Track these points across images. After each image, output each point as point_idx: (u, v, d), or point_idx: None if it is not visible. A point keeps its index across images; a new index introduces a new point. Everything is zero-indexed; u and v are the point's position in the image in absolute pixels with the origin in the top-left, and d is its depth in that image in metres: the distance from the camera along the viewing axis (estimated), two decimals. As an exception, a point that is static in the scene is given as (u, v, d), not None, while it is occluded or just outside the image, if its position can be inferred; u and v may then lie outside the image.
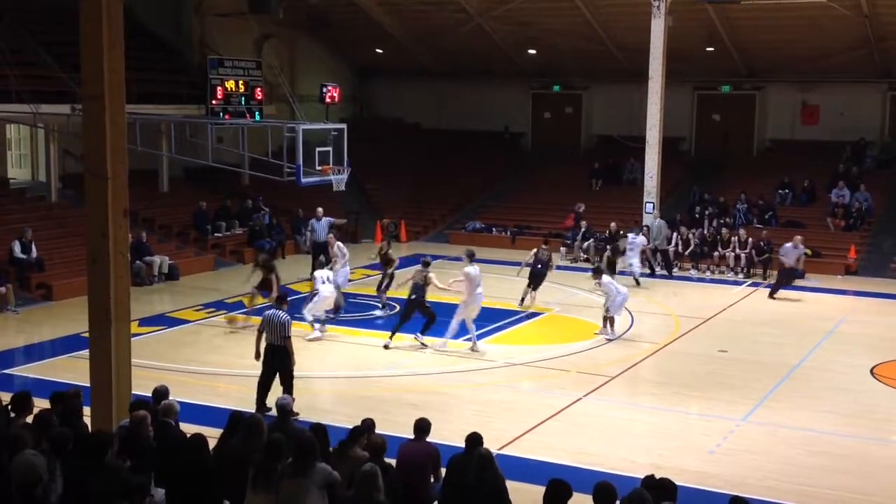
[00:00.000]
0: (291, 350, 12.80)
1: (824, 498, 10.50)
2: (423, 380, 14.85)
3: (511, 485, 8.43)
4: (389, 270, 19.70)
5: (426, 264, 16.74)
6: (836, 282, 23.77)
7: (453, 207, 31.14)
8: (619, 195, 28.85)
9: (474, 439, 8.85)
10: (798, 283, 22.53)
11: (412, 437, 9.11)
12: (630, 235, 23.96)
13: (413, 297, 16.41)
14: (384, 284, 19.74)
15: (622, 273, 21.43)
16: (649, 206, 27.02)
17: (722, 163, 31.18)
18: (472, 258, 16.79)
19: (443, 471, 8.85)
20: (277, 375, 12.77)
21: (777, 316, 19.97)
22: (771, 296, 21.52)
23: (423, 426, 9.17)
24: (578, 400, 13.88)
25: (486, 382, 14.82)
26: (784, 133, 31.59)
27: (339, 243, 19.39)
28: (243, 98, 25.60)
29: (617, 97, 31.52)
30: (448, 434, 10.91)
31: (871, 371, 15.58)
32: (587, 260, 25.96)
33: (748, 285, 23.23)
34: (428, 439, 9.13)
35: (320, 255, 21.66)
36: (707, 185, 29.86)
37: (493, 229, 29.13)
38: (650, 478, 7.98)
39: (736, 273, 24.51)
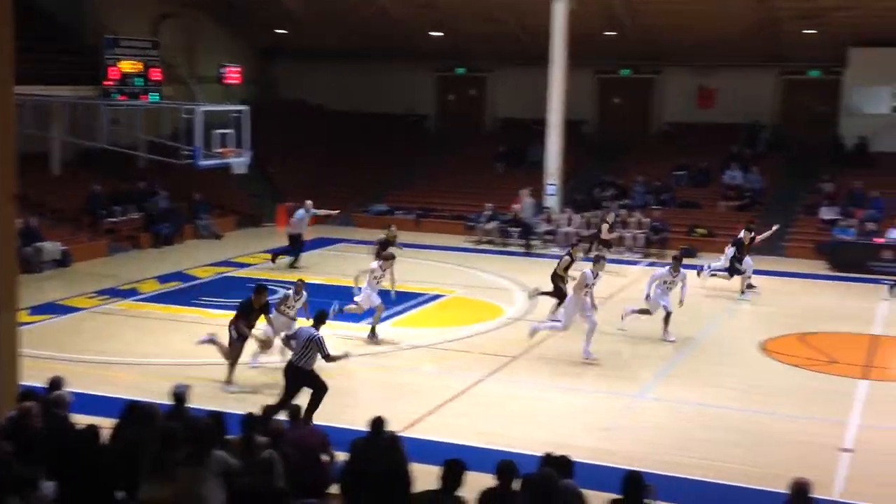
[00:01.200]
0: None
1: (721, 470, 10.81)
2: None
3: (413, 466, 8.48)
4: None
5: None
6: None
7: (358, 190, 30.97)
8: (522, 177, 29.13)
9: (377, 423, 8.92)
10: (691, 261, 23.20)
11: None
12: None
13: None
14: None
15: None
16: (551, 188, 27.41)
17: (622, 145, 31.76)
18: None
19: (341, 454, 8.87)
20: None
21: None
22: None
23: (294, 412, 9.46)
24: (480, 381, 14.01)
25: (389, 366, 14.83)
26: (682, 116, 32.31)
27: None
28: (140, 79, 24.90)
29: (521, 80, 31.72)
30: (351, 418, 10.90)
31: (763, 346, 16.13)
32: (490, 242, 26.26)
33: (646, 265, 23.76)
34: (333, 424, 9.21)
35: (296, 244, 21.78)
36: (608, 167, 30.42)
37: (397, 212, 29.11)
38: (548, 455, 8.13)
39: (634, 253, 25.09)
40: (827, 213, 26.26)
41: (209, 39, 32.24)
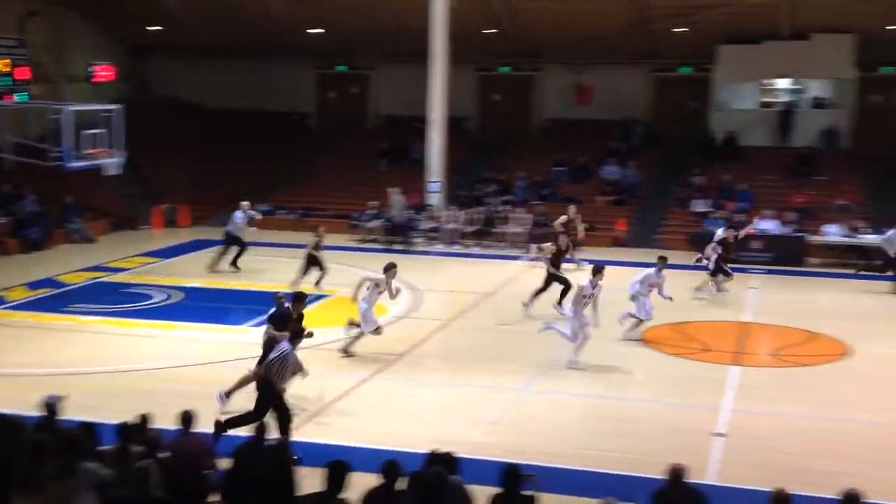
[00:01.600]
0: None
1: (601, 459, 11.03)
2: (202, 370, 14.43)
3: (298, 470, 8.39)
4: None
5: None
6: (606, 253, 25.06)
7: (238, 190, 30.38)
8: (406, 175, 29.15)
9: (260, 428, 8.81)
10: (570, 255, 23.70)
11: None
12: None
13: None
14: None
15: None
16: (435, 186, 27.53)
17: (504, 142, 32.13)
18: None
19: (223, 461, 8.69)
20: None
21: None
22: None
23: (185, 418, 9.07)
24: (365, 381, 13.95)
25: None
26: (561, 113, 32.91)
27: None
28: (6, 78, 23.77)
29: (404, 78, 31.72)
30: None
31: (641, 337, 16.55)
32: (375, 241, 26.19)
33: (529, 260, 24.10)
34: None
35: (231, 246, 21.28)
36: (491, 163, 30.73)
37: (280, 211, 28.73)
38: (434, 453, 8.17)
39: (517, 248, 25.43)
40: (698, 206, 27.18)
41: (78, 37, 31.11)
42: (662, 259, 17.07)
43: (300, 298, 13.29)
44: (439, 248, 25.77)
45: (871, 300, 20.18)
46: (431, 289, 20.27)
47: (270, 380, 11.07)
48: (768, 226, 24.72)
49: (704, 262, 20.63)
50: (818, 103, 31.33)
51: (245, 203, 22.52)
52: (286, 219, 28.31)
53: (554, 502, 8.98)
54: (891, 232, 21.26)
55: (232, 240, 21.88)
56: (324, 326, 17.07)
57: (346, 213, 27.86)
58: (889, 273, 21.16)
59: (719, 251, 20.12)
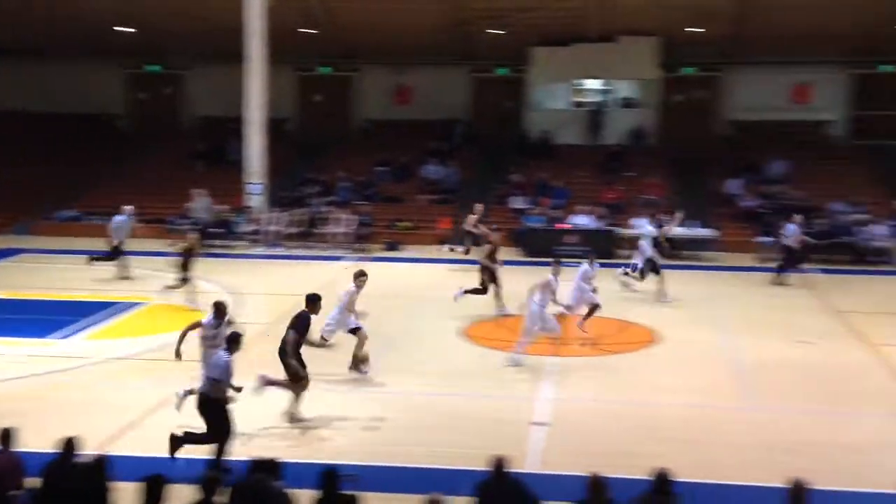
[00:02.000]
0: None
1: (429, 455, 11.00)
2: (6, 386, 13.56)
3: (114, 485, 8.03)
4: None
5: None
6: (430, 252, 25.36)
7: (42, 196, 28.82)
8: (224, 177, 28.46)
9: (69, 443, 8.41)
10: (393, 254, 24.04)
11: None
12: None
13: None
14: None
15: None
16: (256, 188, 27.01)
17: (325, 143, 31.92)
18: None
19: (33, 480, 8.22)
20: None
21: (378, 287, 20.84)
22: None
23: (3, 436, 8.50)
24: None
25: (82, 382, 13.88)
26: (381, 113, 33.04)
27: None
28: None
29: (221, 78, 30.95)
30: (41, 441, 10.05)
31: (463, 332, 16.79)
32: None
33: (354, 260, 24.01)
34: (22, 449, 8.50)
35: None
36: (312, 164, 30.45)
37: (89, 217, 27.44)
38: (256, 460, 8.03)
39: (342, 249, 25.31)
40: (517, 203, 27.90)
41: None
42: (592, 253, 17.67)
43: (316, 300, 12.48)
44: (261, 250, 25.30)
45: (676, 287, 21.23)
46: (253, 292, 19.87)
47: (210, 395, 10.38)
48: (583, 220, 25.66)
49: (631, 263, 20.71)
50: (626, 103, 32.81)
51: (128, 207, 21.54)
52: (96, 225, 27.01)
53: (378, 501, 8.95)
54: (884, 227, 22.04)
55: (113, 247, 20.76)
56: (138, 335, 16.49)
57: (161, 217, 26.91)
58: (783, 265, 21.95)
59: (652, 250, 20.20)
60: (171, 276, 18.54)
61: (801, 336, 16.70)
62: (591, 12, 28.53)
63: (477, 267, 18.48)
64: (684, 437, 11.82)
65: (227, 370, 10.36)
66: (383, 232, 26.59)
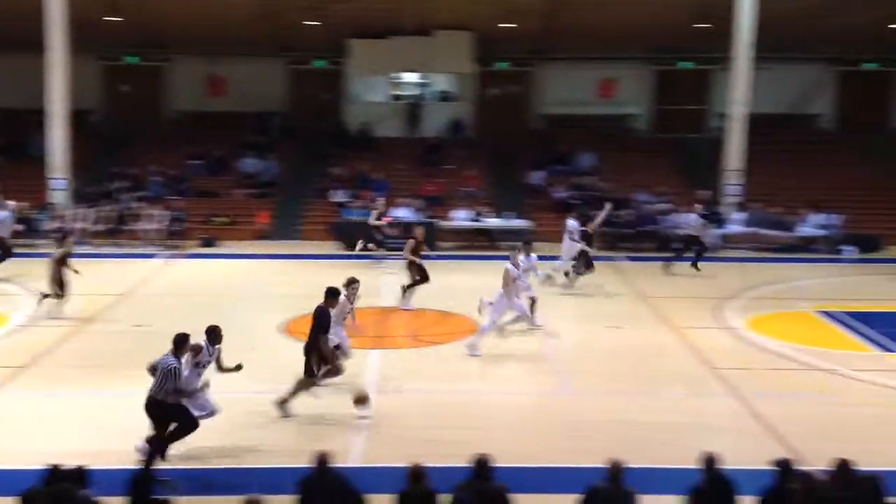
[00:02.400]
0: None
1: (250, 455, 10.87)
2: None
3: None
4: None
5: None
6: (250, 247, 24.90)
7: None
8: (26, 172, 26.85)
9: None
10: (209, 250, 23.53)
11: None
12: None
13: None
14: None
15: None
16: (59, 183, 25.69)
17: (133, 135, 30.72)
18: None
19: None
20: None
21: (193, 285, 20.30)
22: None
23: None
24: (-11, 396, 12.68)
25: None
26: (193, 104, 32.13)
27: None
28: None
29: (19, 68, 29.01)
30: None
31: (284, 328, 16.58)
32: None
33: (167, 257, 23.28)
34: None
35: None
36: (120, 158, 29.22)
37: None
38: (56, 469, 7.69)
39: (154, 246, 24.46)
40: (338, 196, 27.78)
41: None
42: (527, 243, 17.61)
43: (335, 294, 12.33)
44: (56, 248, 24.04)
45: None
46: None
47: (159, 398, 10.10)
48: (403, 213, 25.84)
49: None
50: (444, 96, 33.31)
51: (11, 203, 20.69)
52: None
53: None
54: (692, 216, 22.67)
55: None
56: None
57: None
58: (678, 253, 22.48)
59: (581, 246, 20.24)
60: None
61: (611, 322, 17.50)
62: (407, 5, 28.72)
63: (404, 264, 18.67)
64: (501, 424, 12.14)
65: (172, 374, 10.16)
66: (198, 228, 25.85)
